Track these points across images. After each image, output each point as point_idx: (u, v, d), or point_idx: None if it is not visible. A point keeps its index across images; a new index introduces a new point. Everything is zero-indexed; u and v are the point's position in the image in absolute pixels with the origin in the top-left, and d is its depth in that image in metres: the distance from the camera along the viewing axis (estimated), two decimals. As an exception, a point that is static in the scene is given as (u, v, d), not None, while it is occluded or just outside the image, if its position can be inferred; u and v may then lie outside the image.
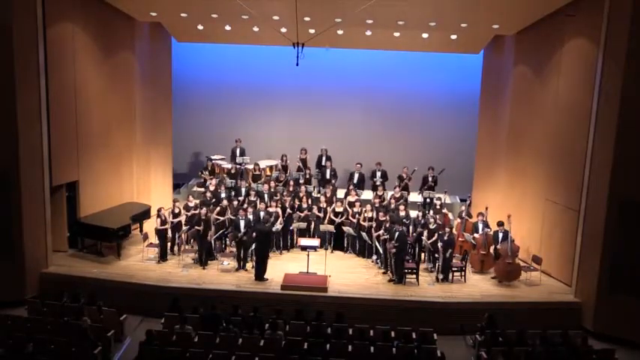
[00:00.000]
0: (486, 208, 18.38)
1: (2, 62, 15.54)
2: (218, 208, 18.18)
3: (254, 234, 16.90)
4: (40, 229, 16.75)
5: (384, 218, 17.58)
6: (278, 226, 17.80)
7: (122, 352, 14.51)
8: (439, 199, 19.43)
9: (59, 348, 13.04)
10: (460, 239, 18.03)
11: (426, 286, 16.73)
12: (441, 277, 16.97)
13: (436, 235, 17.21)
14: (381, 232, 17.57)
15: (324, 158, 21.71)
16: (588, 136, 15.90)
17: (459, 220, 18.51)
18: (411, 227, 17.87)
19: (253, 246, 17.10)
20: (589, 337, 14.63)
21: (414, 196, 21.18)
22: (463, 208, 18.74)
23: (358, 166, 21.16)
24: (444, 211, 19.10)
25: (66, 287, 15.84)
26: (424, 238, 17.68)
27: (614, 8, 14.99)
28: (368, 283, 16.91)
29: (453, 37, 18.96)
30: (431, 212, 18.95)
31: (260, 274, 16.72)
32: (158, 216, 17.87)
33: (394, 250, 16.64)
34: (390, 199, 19.28)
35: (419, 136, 23.04)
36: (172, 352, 12.91)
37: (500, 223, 17.41)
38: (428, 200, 20.39)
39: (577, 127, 16.38)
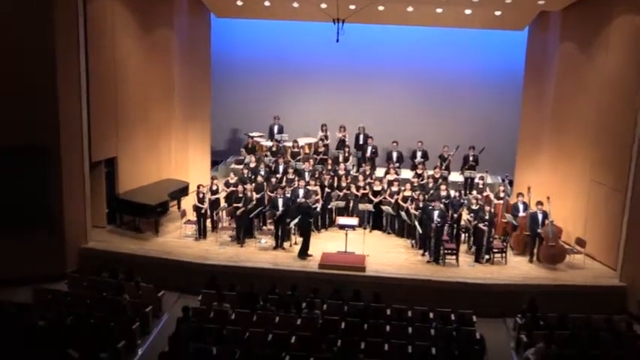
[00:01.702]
0: (528, 189, 18.06)
1: (43, 39, 15.66)
2: (254, 185, 18.17)
3: (298, 209, 16.93)
4: (79, 205, 16.95)
5: (420, 198, 17.50)
6: (317, 205, 17.71)
7: (160, 327, 14.67)
8: (481, 178, 19.21)
9: (98, 322, 13.24)
10: (502, 220, 17.80)
11: (465, 267, 16.63)
12: (486, 257, 16.83)
13: (478, 215, 17.00)
14: (413, 208, 17.53)
15: (361, 136, 21.64)
16: (637, 115, 15.49)
17: (498, 200, 18.27)
18: (450, 208, 17.72)
19: (292, 223, 17.08)
20: (634, 322, 14.38)
21: (455, 176, 21.00)
22: (502, 188, 18.52)
23: (394, 144, 21.09)
24: (487, 191, 18.87)
25: (104, 263, 16.08)
26: (465, 218, 17.47)
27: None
28: (407, 263, 16.85)
29: (497, 13, 18.60)
30: (474, 192, 18.75)
31: (303, 250, 16.79)
32: (197, 193, 17.93)
33: (437, 223, 16.52)
34: (429, 178, 19.14)
35: (460, 114, 22.73)
36: (209, 329, 13.01)
37: (539, 203, 17.12)
38: (469, 180, 20.27)
39: (625, 105, 15.98)
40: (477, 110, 22.68)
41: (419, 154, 20.97)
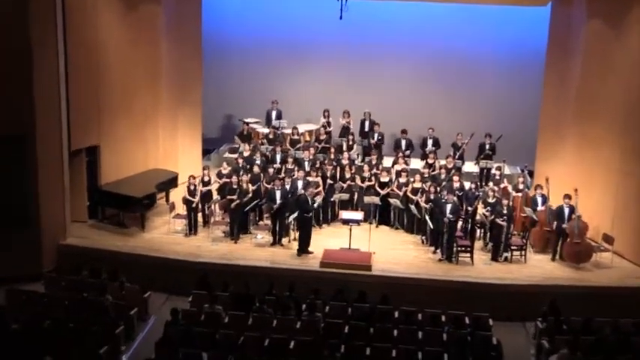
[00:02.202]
0: (546, 180, 18.01)
1: (17, 17, 15.61)
2: (249, 175, 18.16)
3: (297, 202, 17.00)
4: (57, 198, 16.93)
5: (432, 190, 17.51)
6: (317, 199, 17.67)
7: (146, 332, 14.67)
8: (498, 169, 19.18)
9: (78, 326, 13.18)
10: (522, 214, 17.76)
11: (481, 266, 16.62)
12: (504, 255, 16.83)
13: (494, 209, 16.97)
14: (423, 201, 17.53)
15: (367, 123, 21.67)
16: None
17: (516, 192, 18.25)
18: (464, 202, 17.75)
19: (291, 218, 17.07)
20: (666, 327, 14.30)
21: (470, 166, 20.96)
22: (521, 179, 18.50)
23: (403, 131, 21.11)
24: (505, 183, 18.84)
25: (85, 261, 16.04)
26: (480, 212, 17.44)
27: None
28: (416, 261, 16.86)
29: (517, -14, 18.52)
30: (490, 184, 18.73)
31: (303, 246, 16.85)
32: (188, 185, 17.93)
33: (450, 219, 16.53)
34: (441, 168, 19.12)
35: (476, 98, 22.69)
36: (200, 333, 13.00)
37: (566, 196, 17.06)
38: (485, 170, 20.25)
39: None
40: (493, 94, 22.62)
41: (430, 142, 20.88)
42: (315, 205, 17.31)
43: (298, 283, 15.05)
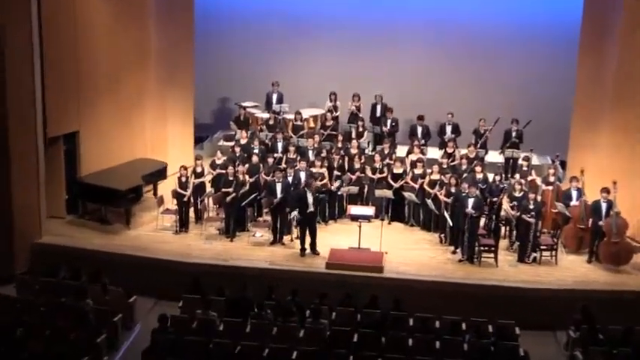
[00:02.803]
0: (582, 172, 18.00)
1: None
2: (246, 166, 18.14)
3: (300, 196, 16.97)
4: (31, 191, 16.94)
5: (452, 182, 17.48)
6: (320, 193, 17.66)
7: (131, 341, 14.67)
8: (526, 159, 19.09)
9: (55, 334, 13.16)
10: (552, 210, 17.73)
11: (506, 268, 16.62)
12: (532, 256, 16.81)
13: (521, 204, 16.91)
14: (442, 195, 17.52)
15: (379, 107, 21.65)
16: None
17: (546, 185, 18.17)
18: (487, 195, 17.70)
19: (293, 214, 17.06)
20: None
21: (494, 156, 20.99)
22: (551, 170, 18.47)
23: (420, 117, 21.09)
24: (533, 175, 18.77)
25: (63, 261, 16.03)
26: (506, 207, 17.41)
27: None
28: (434, 262, 16.87)
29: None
30: (517, 176, 18.67)
31: (311, 246, 16.89)
32: (178, 176, 17.92)
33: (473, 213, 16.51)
34: (462, 158, 19.09)
35: (501, 79, 22.69)
36: (192, 343, 12.99)
37: (604, 190, 16.99)
38: (511, 161, 20.25)
39: None
40: (521, 75, 22.55)
41: (449, 128, 20.88)
42: (314, 202, 17.13)
43: (301, 287, 15.09)
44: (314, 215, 17.03)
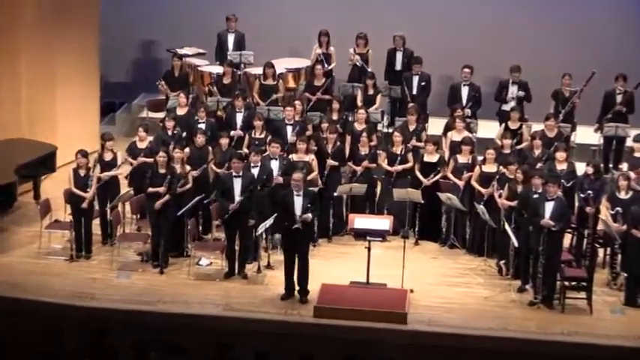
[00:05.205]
0: None
1: None
2: (186, 151, 18.28)
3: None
4: None
5: (519, 177, 17.35)
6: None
7: None
8: (638, 139, 18.86)
9: None
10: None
11: (607, 316, 16.46)
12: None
13: (631, 212, 16.72)
14: (501, 197, 17.43)
15: (399, 56, 21.66)
16: None
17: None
18: (577, 198, 17.78)
19: (262, 228, 16.95)
20: None
21: (586, 134, 21.22)
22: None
23: (467, 70, 21.19)
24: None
25: None
26: (605, 215, 17.17)
27: None
28: (489, 305, 16.85)
29: None
30: (623, 166, 18.42)
31: (299, 283, 17.00)
32: (76, 168, 17.93)
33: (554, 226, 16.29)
34: (534, 138, 18.99)
35: (591, 17, 23.30)
36: None
37: None
38: (614, 142, 20.37)
39: None
40: (628, 8, 22.77)
41: (513, 90, 20.85)
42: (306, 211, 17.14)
43: (275, 345, 14.94)
44: (306, 233, 16.85)
